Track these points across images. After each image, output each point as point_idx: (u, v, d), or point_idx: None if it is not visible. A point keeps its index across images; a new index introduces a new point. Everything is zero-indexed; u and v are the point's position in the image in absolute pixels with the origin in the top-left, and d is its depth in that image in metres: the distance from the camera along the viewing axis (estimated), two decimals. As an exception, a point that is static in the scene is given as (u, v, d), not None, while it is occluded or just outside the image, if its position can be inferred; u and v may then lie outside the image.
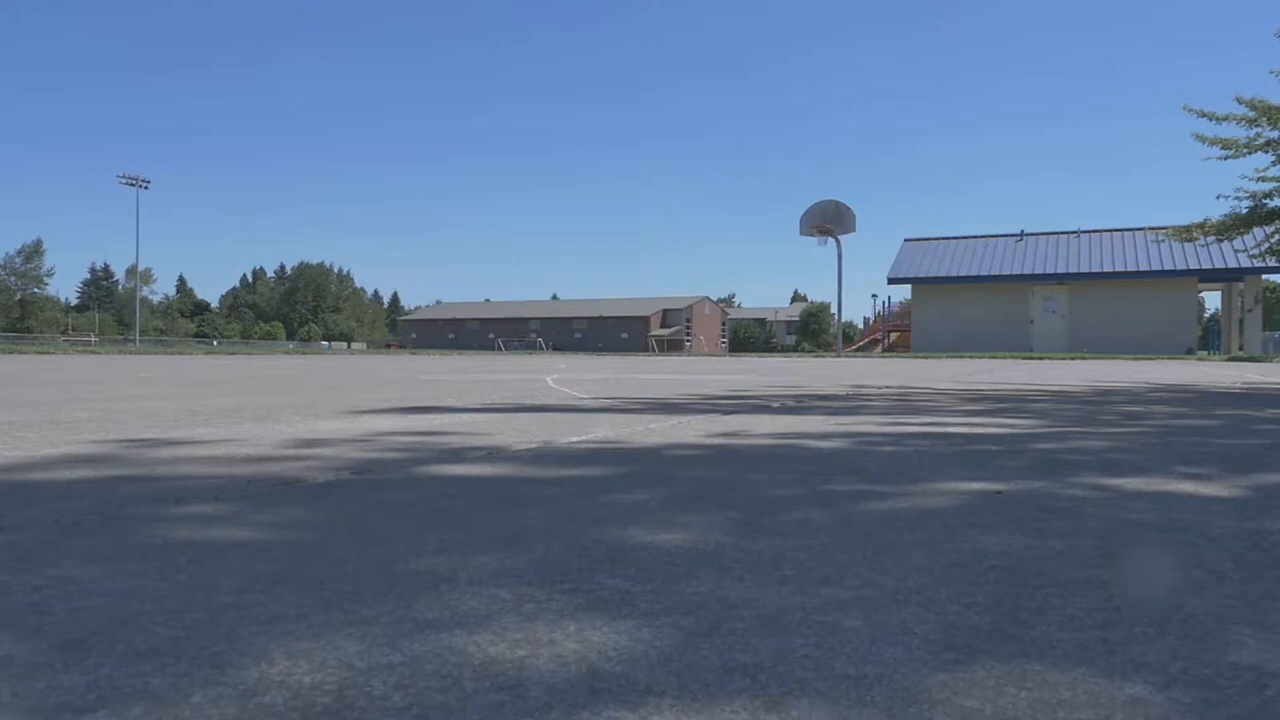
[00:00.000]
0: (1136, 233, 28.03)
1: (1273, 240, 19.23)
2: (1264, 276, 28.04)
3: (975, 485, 1.32)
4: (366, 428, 2.13)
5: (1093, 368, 9.90)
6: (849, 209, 24.94)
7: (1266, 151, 17.50)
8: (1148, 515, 1.10)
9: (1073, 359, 16.48)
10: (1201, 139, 17.56)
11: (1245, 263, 22.58)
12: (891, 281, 29.95)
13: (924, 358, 17.30)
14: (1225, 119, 17.29)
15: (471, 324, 67.21)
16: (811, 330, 72.32)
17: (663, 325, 65.13)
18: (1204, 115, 17.43)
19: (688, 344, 59.84)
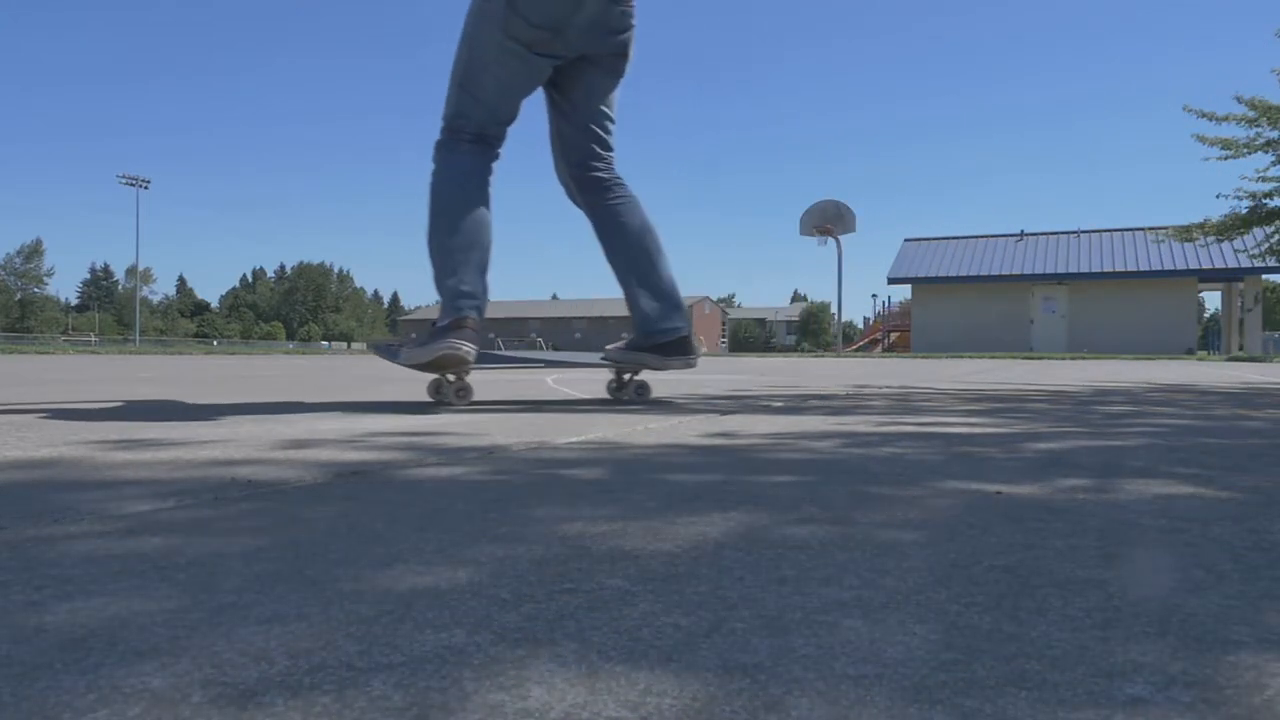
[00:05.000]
0: (1136, 233, 28.04)
1: (1273, 240, 19.26)
2: (1264, 276, 28.06)
3: (975, 485, 1.32)
4: (366, 427, 2.13)
5: (1093, 368, 9.90)
6: (849, 209, 24.95)
7: (1266, 151, 17.52)
8: (1148, 515, 1.10)
9: (1073, 359, 16.48)
10: (1201, 139, 17.58)
11: (1245, 263, 22.62)
12: (891, 281, 29.96)
13: (924, 358, 17.31)
14: (1225, 119, 17.31)
15: (471, 324, 67.03)
16: (811, 330, 72.35)
17: (663, 325, 64.87)
18: (1204, 115, 17.45)
19: (688, 344, 59.64)
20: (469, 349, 2.65)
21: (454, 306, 2.69)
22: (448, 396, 2.81)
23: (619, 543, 0.92)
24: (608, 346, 3.11)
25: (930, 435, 2.07)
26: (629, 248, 2.99)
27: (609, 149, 3.03)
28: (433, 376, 2.88)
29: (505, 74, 2.74)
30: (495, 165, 2.89)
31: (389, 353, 2.88)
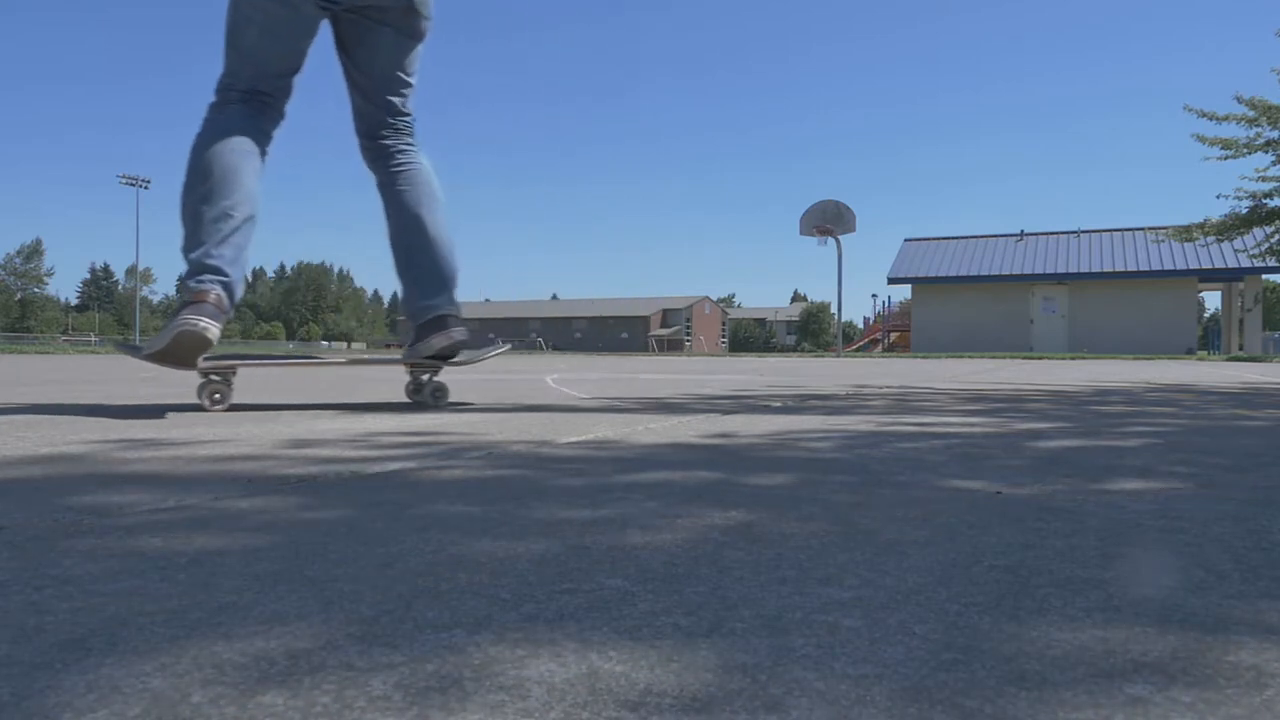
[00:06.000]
0: (1136, 233, 28.06)
1: (1273, 240, 19.28)
2: (1264, 276, 28.06)
3: (975, 485, 1.32)
4: (366, 427, 2.13)
5: (1093, 368, 9.90)
6: (849, 209, 24.92)
7: (1266, 151, 17.53)
8: (1148, 515, 1.10)
9: (1073, 359, 16.48)
10: (1201, 139, 17.59)
11: (1245, 263, 22.64)
12: (891, 281, 29.96)
13: (924, 358, 17.30)
14: (1225, 119, 17.32)
15: (471, 324, 67.01)
16: (811, 330, 72.41)
17: (663, 325, 65.17)
18: (1204, 115, 17.46)
19: (688, 344, 59.88)
20: (207, 324, 2.33)
21: (195, 281, 2.39)
22: (203, 399, 2.52)
23: (619, 543, 0.92)
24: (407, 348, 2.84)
25: (930, 435, 2.07)
26: (401, 218, 2.75)
27: (399, 114, 2.81)
28: (200, 380, 2.56)
29: (268, 22, 2.55)
30: (275, 130, 2.68)
31: (133, 350, 2.63)
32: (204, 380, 2.55)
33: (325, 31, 2.71)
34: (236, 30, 2.58)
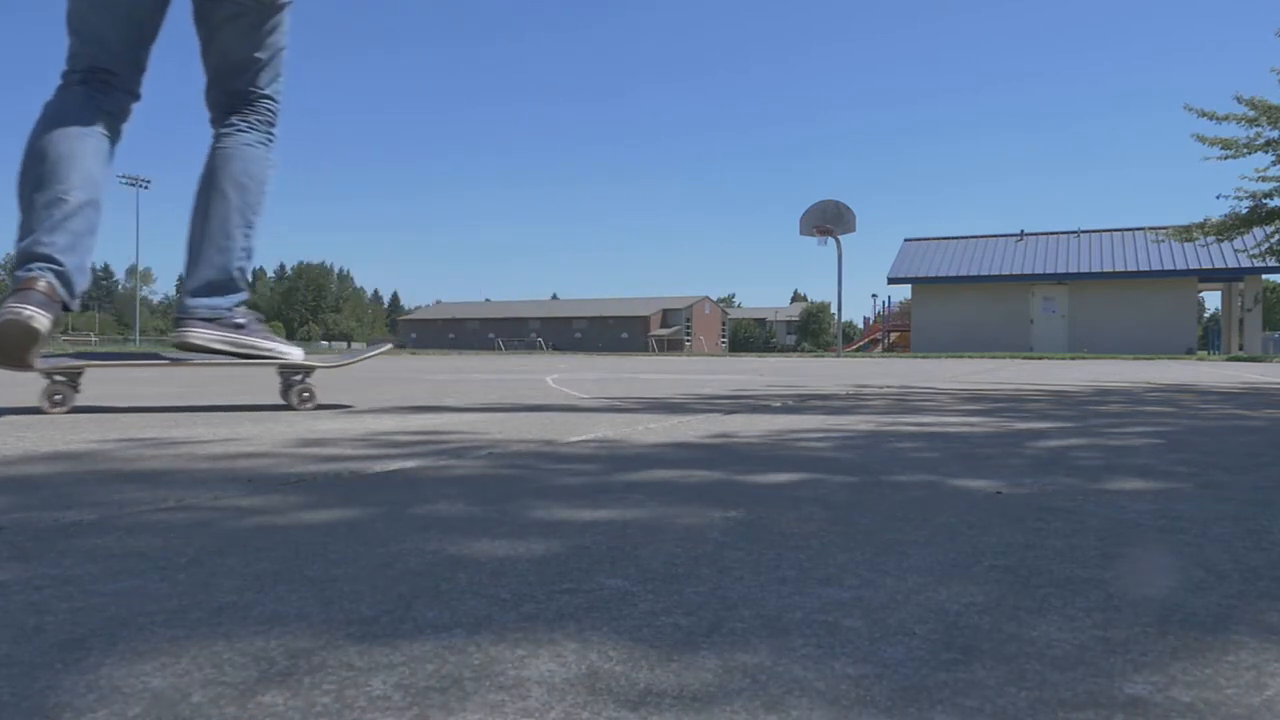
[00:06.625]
0: (1136, 233, 28.06)
1: (1273, 240, 19.29)
2: (1264, 276, 28.05)
3: (975, 485, 1.32)
4: (366, 427, 2.13)
5: (1093, 368, 9.90)
6: (849, 209, 24.91)
7: (1266, 151, 17.53)
8: (1148, 515, 1.10)
9: (1073, 359, 16.47)
10: (1201, 139, 17.60)
11: (1245, 263, 22.64)
12: (891, 281, 29.96)
13: (924, 358, 17.30)
14: (1225, 119, 17.32)
15: (471, 324, 67.12)
16: (811, 330, 72.47)
17: (663, 325, 65.13)
18: (1204, 115, 17.47)
19: (688, 344, 59.86)
20: (33, 312, 2.14)
21: (23, 270, 2.23)
22: (43, 402, 2.37)
23: (619, 542, 0.92)
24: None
25: (930, 435, 2.07)
26: (197, 197, 2.56)
27: (247, 96, 2.64)
28: (44, 382, 2.40)
29: None
30: (122, 108, 2.51)
31: None
32: (47, 381, 2.40)
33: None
34: (73, 11, 2.45)
